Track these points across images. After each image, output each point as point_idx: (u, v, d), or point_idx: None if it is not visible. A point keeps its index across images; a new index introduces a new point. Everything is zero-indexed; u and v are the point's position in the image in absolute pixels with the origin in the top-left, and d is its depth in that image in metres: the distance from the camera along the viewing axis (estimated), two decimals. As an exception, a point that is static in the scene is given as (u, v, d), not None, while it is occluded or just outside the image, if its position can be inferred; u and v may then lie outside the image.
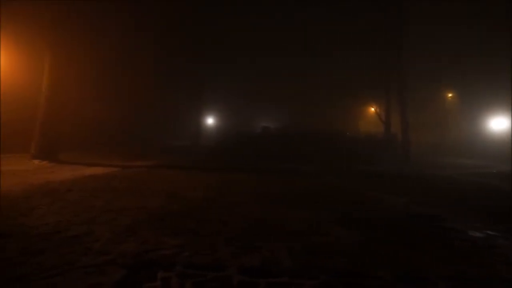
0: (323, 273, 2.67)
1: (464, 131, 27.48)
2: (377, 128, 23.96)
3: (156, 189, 6.76)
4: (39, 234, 3.46)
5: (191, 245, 3.28)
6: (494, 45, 22.67)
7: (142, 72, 23.47)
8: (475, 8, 23.33)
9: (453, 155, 22.38)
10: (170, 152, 19.87)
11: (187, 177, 9.01)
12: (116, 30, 19.26)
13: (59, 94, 12.71)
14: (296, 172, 11.76)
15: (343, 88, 27.43)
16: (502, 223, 4.76)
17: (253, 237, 3.66)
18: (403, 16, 19.97)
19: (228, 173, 10.30)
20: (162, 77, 26.31)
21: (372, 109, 26.09)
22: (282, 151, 17.75)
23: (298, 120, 30.06)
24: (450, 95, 29.58)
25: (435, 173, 12.50)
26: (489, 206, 6.23)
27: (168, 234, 3.64)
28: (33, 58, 14.22)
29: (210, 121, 35.14)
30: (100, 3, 15.27)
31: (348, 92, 27.15)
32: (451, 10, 23.78)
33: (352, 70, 25.55)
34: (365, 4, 22.86)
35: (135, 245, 3.23)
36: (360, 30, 23.12)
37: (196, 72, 26.42)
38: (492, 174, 12.70)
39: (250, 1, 28.43)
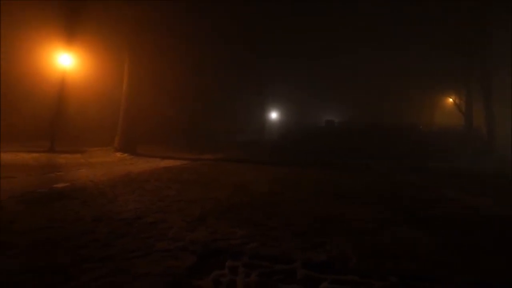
0: (392, 275, 2.53)
1: None
2: (455, 121, 21.74)
3: (223, 181, 7.06)
4: (122, 219, 3.86)
5: (257, 237, 3.37)
6: None
7: (210, 70, 24.52)
8: None
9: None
10: (236, 146, 20.54)
11: (252, 171, 9.24)
12: (187, 31, 20.35)
13: (137, 93, 13.89)
14: (363, 168, 11.28)
15: (416, 77, 25.35)
16: None
17: (318, 232, 3.62)
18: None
19: (292, 168, 10.31)
20: (229, 75, 27.20)
21: (450, 99, 23.74)
22: (347, 145, 17.16)
23: (364, 113, 28.73)
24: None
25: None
26: None
27: (235, 224, 3.78)
28: (116, 59, 15.65)
29: (274, 115, 35.33)
30: (177, 6, 16.21)
31: (422, 81, 25.00)
32: None
33: (427, 57, 23.43)
34: None
35: (205, 234, 3.42)
36: (439, 15, 21.01)
37: (261, 69, 26.80)
38: None
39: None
